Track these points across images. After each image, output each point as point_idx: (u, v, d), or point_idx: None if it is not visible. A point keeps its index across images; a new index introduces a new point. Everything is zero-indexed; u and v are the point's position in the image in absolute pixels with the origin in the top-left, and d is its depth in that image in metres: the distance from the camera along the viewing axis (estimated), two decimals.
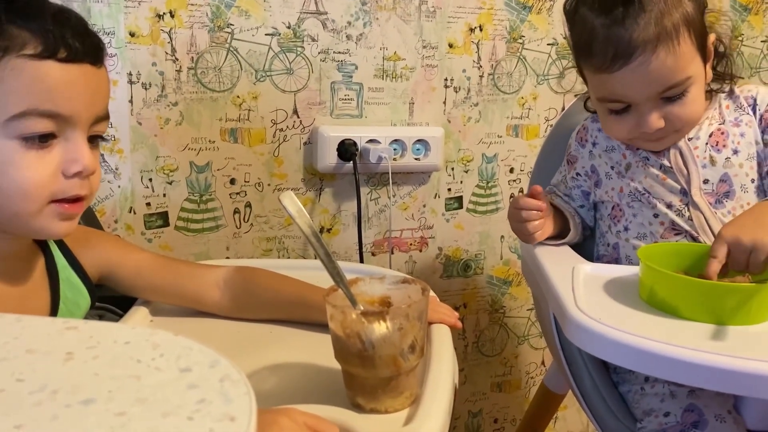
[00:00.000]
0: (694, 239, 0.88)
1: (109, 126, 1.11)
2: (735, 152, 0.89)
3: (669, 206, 0.90)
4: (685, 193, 0.89)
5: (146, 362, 0.37)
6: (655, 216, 0.90)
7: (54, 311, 0.69)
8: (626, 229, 0.93)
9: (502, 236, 1.42)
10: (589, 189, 0.99)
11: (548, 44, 1.35)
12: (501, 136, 1.36)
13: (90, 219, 0.95)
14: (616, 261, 0.94)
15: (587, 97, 0.99)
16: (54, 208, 0.63)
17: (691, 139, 0.90)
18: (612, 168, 0.95)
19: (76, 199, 0.64)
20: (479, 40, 1.30)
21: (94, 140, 0.66)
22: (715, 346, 0.65)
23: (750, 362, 0.60)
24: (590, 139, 0.99)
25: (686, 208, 0.89)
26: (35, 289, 0.70)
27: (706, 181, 0.89)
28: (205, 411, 0.32)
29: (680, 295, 0.71)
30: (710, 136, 0.90)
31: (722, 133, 0.90)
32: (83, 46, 0.62)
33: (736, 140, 0.89)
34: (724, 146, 0.89)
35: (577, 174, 1.00)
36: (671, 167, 0.90)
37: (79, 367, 0.36)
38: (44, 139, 0.61)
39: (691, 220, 0.88)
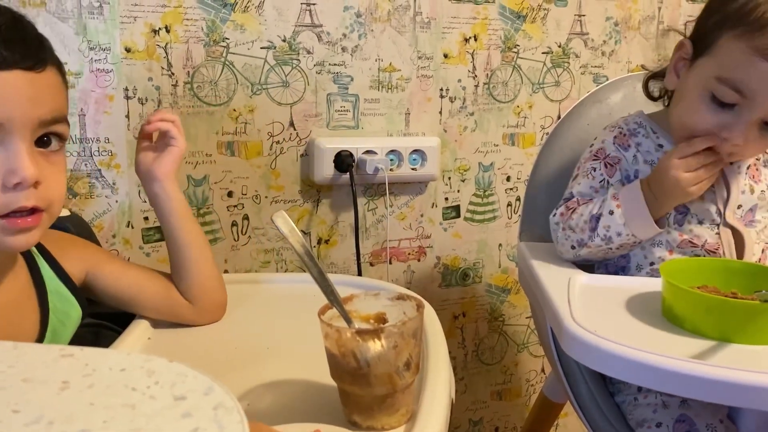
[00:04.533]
0: (709, 253, 0.88)
1: (106, 141, 1.12)
2: None
3: (700, 222, 0.89)
4: (719, 214, 0.89)
5: (141, 390, 0.37)
6: (680, 226, 0.90)
7: (44, 323, 0.69)
8: None
9: (500, 244, 1.42)
10: None
11: (543, 53, 1.36)
12: (497, 145, 1.37)
13: (87, 234, 0.96)
14: (624, 269, 0.93)
15: (650, 76, 0.95)
16: (2, 223, 0.61)
17: (732, 164, 0.90)
18: None
19: (32, 211, 0.62)
20: (474, 50, 1.31)
21: (48, 144, 0.64)
22: (711, 359, 0.65)
23: (740, 373, 0.61)
24: (633, 145, 0.92)
25: (716, 227, 0.89)
26: (23, 300, 0.70)
27: (739, 207, 0.90)
28: None
29: (690, 309, 0.71)
30: (748, 167, 0.92)
31: (757, 169, 0.93)
32: (12, 53, 0.60)
33: (766, 179, 0.93)
34: (759, 180, 0.92)
35: (623, 177, 0.92)
36: (713, 186, 0.89)
37: (75, 397, 0.37)
38: None
39: (719, 235, 0.89)
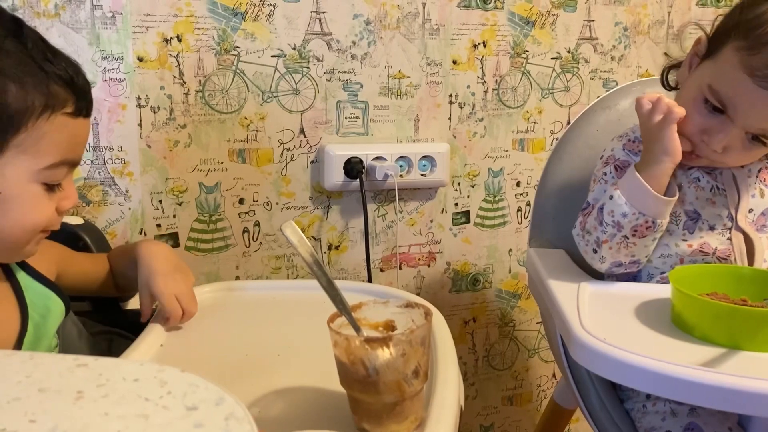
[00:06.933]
0: (720, 261, 0.87)
1: (119, 149, 1.14)
2: None
3: (711, 228, 0.88)
4: (730, 218, 0.88)
5: (154, 400, 0.38)
6: (691, 233, 0.89)
7: (24, 318, 0.72)
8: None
9: (510, 250, 1.42)
10: None
11: (552, 58, 1.36)
12: (507, 150, 1.37)
13: (100, 241, 0.97)
14: (635, 278, 0.93)
15: (669, 68, 0.95)
16: (39, 237, 0.70)
17: (744, 167, 0.90)
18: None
19: None
20: (483, 56, 1.31)
21: None
22: (721, 366, 0.65)
23: (751, 381, 0.61)
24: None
25: (728, 232, 0.88)
26: (1, 299, 0.72)
27: (750, 210, 0.89)
28: None
29: (698, 316, 0.71)
30: (759, 171, 0.91)
31: None
32: (88, 103, 0.69)
33: None
34: None
35: None
36: (724, 190, 0.89)
37: (89, 407, 0.37)
38: (59, 185, 0.68)
39: (730, 240, 0.88)
